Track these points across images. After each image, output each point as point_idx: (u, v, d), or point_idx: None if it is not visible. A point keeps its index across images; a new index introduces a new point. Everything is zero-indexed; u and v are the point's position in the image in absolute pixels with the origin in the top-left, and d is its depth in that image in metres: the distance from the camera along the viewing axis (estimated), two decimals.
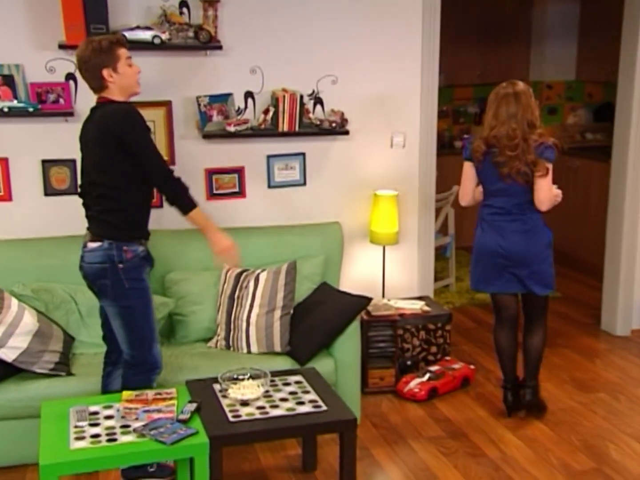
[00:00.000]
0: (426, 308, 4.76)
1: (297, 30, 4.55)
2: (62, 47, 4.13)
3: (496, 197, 4.04)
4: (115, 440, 3.02)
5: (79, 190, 3.69)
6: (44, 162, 4.32)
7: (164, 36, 4.19)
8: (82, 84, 4.16)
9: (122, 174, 3.38)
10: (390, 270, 4.95)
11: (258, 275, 4.21)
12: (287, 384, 3.54)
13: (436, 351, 4.76)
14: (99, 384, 3.72)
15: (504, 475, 3.72)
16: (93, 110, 3.50)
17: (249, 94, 4.54)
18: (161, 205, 4.16)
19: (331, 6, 4.57)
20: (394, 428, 4.20)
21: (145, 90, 3.68)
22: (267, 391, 3.42)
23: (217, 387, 3.45)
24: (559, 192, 4.05)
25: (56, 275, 4.15)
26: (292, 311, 4.17)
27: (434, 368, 4.64)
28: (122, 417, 3.18)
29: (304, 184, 4.75)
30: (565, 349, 5.23)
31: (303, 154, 4.70)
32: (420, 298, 4.96)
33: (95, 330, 4.10)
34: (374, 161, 4.83)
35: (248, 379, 3.44)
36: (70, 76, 4.26)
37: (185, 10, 4.33)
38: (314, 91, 4.64)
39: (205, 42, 4.29)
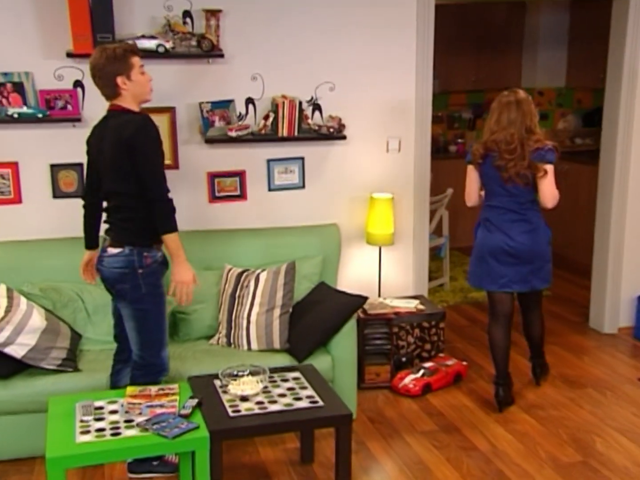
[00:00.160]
0: (421, 307, 4.75)
1: (296, 39, 4.54)
2: (69, 55, 4.13)
3: (499, 198, 4.11)
4: (119, 434, 3.01)
5: (84, 192, 3.69)
6: (52, 166, 4.32)
7: (168, 45, 4.19)
8: (89, 91, 4.23)
9: (139, 182, 3.32)
10: (386, 270, 4.94)
11: (258, 275, 4.20)
12: (286, 380, 3.53)
13: (430, 348, 4.75)
14: (104, 379, 3.73)
15: (495, 468, 3.72)
16: (106, 118, 3.46)
17: (249, 101, 4.54)
18: None
19: (329, 16, 4.57)
20: (389, 422, 4.20)
21: None
22: (265, 387, 3.42)
23: (217, 383, 3.45)
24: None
25: (64, 274, 4.15)
26: (291, 310, 4.17)
27: (427, 364, 4.63)
28: (126, 412, 3.17)
29: (303, 187, 4.75)
30: (554, 346, 5.22)
31: (302, 158, 4.70)
32: (415, 297, 4.95)
33: (101, 328, 4.12)
34: (371, 165, 4.83)
35: (247, 375, 3.44)
36: (77, 83, 4.26)
37: (188, 20, 4.32)
38: (312, 98, 4.64)
39: (208, 50, 4.28)
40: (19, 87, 4.17)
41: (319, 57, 4.60)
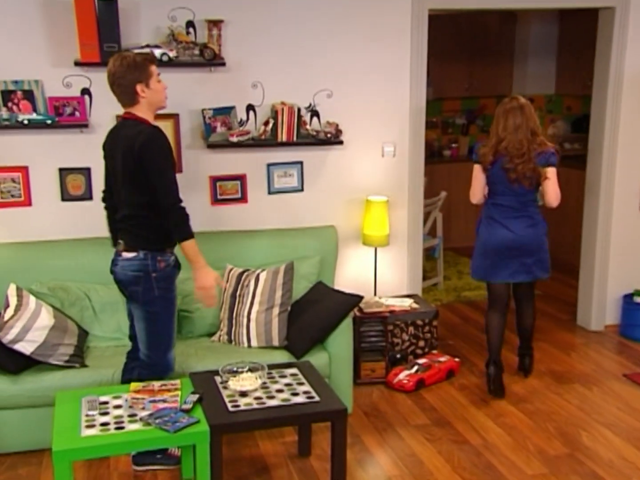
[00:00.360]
0: (415, 305, 4.73)
1: (295, 48, 4.53)
2: (77, 64, 4.13)
3: (504, 196, 4.23)
4: (122, 428, 3.01)
5: (102, 195, 3.64)
6: (61, 170, 4.31)
7: (172, 54, 4.18)
8: (96, 98, 4.23)
9: (151, 192, 3.29)
10: (382, 270, 4.93)
11: (258, 274, 4.19)
12: (283, 376, 3.52)
13: (424, 345, 4.74)
14: (110, 375, 3.72)
15: (485, 460, 3.70)
16: (118, 126, 3.42)
17: (250, 107, 4.53)
18: None
19: (326, 25, 4.56)
20: (384, 416, 4.18)
21: None
22: (264, 383, 3.40)
23: (218, 379, 3.43)
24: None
25: (71, 274, 4.15)
26: (289, 308, 4.16)
27: (421, 361, 4.61)
28: (130, 406, 3.17)
29: (302, 190, 4.73)
30: (543, 343, 5.20)
31: (301, 163, 4.69)
32: (409, 296, 4.94)
33: (107, 325, 4.12)
34: (367, 169, 4.81)
35: (247, 371, 3.42)
36: (85, 91, 4.25)
37: (191, 30, 4.32)
38: (310, 104, 4.63)
39: (210, 59, 4.28)
40: (29, 95, 4.16)
41: (317, 66, 4.59)
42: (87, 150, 4.29)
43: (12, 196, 4.26)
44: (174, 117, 4.38)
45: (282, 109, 4.45)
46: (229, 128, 4.45)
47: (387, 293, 4.94)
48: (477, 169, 4.28)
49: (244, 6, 4.39)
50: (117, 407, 3.19)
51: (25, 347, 3.65)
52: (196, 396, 3.21)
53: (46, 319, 3.79)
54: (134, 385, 3.31)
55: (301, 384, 3.43)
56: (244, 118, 4.53)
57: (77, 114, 4.25)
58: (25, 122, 4.10)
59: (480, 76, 7.96)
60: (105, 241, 4.16)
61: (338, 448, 3.25)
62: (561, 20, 7.77)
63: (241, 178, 4.60)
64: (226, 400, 3.25)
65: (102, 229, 4.23)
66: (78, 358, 3.81)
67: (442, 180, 7.33)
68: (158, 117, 4.05)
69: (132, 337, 3.65)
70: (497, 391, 4.38)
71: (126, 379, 3.60)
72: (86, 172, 4.33)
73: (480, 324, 5.55)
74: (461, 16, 7.47)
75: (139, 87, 3.27)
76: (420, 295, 5.08)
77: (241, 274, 4.23)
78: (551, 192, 4.16)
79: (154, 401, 3.18)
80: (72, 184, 4.34)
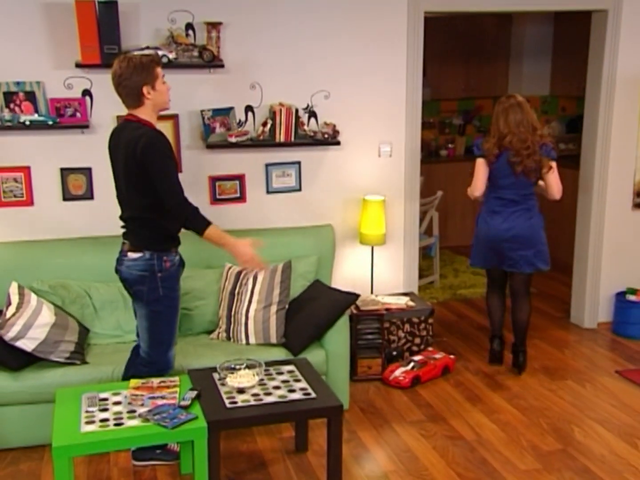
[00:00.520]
0: (411, 303, 4.73)
1: (293, 49, 4.52)
2: (78, 66, 4.12)
3: (506, 190, 4.35)
4: (121, 424, 3.00)
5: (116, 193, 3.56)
6: (62, 170, 4.30)
7: (171, 55, 4.18)
8: (97, 99, 4.23)
9: (153, 194, 3.27)
10: (378, 268, 4.92)
11: (256, 273, 4.18)
12: (281, 373, 3.51)
13: (420, 342, 4.73)
14: (110, 372, 3.72)
15: (479, 456, 3.70)
16: (121, 128, 3.39)
17: (249, 108, 4.52)
18: None
19: (324, 27, 4.55)
20: (380, 413, 4.18)
21: None
22: (261, 380, 3.40)
23: (216, 376, 3.42)
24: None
25: (72, 272, 4.14)
26: (287, 306, 4.15)
27: (417, 358, 4.61)
28: (129, 403, 3.16)
29: (300, 189, 4.73)
30: (537, 340, 5.20)
31: (298, 163, 4.68)
32: (405, 294, 4.93)
33: (108, 323, 4.12)
34: (363, 169, 4.81)
35: (244, 368, 3.42)
36: (86, 92, 4.24)
37: (190, 32, 4.31)
38: (308, 105, 4.62)
39: (209, 61, 4.27)
40: (30, 96, 4.15)
41: (314, 67, 4.58)
42: (88, 150, 4.29)
43: (15, 196, 4.25)
44: (174, 117, 4.37)
45: (280, 110, 4.44)
46: (227, 129, 4.44)
47: (384, 291, 4.93)
48: (481, 163, 4.35)
49: (243, 9, 4.39)
50: (117, 403, 3.18)
51: (27, 344, 3.65)
52: (194, 393, 3.20)
53: (47, 316, 3.79)
54: (133, 382, 3.31)
55: (298, 380, 3.43)
56: (243, 119, 4.52)
57: (78, 115, 4.24)
58: (27, 123, 4.09)
59: (477, 77, 7.96)
60: (105, 240, 4.20)
61: (334, 444, 3.24)
62: (556, 22, 7.76)
63: (240, 178, 4.60)
64: (224, 396, 3.24)
65: (102, 228, 4.28)
66: (79, 355, 3.80)
67: (439, 180, 7.32)
68: (158, 117, 4.06)
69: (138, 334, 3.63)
70: (495, 361, 4.73)
71: (131, 374, 3.59)
72: (87, 172, 4.33)
73: (476, 321, 5.59)
74: (458, 18, 7.46)
75: (145, 89, 3.24)
76: (417, 293, 5.07)
77: (240, 272, 4.22)
78: (554, 184, 4.30)
79: (153, 398, 3.17)
80: (73, 184, 4.33)
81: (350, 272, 4.90)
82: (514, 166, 4.26)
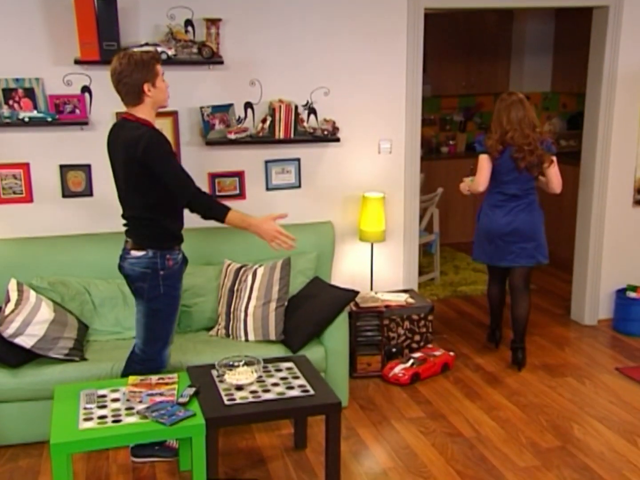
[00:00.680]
0: (410, 300, 4.72)
1: (293, 46, 4.51)
2: (77, 62, 4.10)
3: (509, 185, 4.45)
4: (119, 421, 3.00)
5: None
6: (61, 166, 4.29)
7: (170, 52, 4.16)
8: (96, 95, 4.22)
9: (154, 194, 3.26)
10: (378, 265, 4.91)
11: (255, 270, 4.18)
12: (279, 370, 3.50)
13: (419, 339, 4.73)
14: (109, 368, 3.71)
15: (478, 453, 3.69)
16: (118, 127, 3.36)
17: (248, 105, 4.51)
18: None
19: (324, 24, 4.53)
20: (379, 409, 4.17)
21: None
22: (260, 377, 3.39)
23: (214, 373, 3.42)
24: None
25: (71, 269, 4.14)
26: (286, 303, 4.15)
27: (416, 355, 4.61)
28: (127, 400, 3.16)
29: (299, 186, 4.72)
30: (538, 337, 5.19)
31: (298, 159, 4.67)
32: (405, 291, 4.93)
33: (107, 319, 4.11)
34: (363, 166, 4.80)
35: (243, 365, 3.41)
36: (85, 89, 4.23)
37: (190, 28, 4.29)
38: (308, 102, 4.61)
39: (208, 57, 4.25)
40: (29, 93, 4.14)
41: (314, 63, 4.57)
42: (88, 147, 4.28)
43: (14, 192, 4.25)
44: (173, 114, 4.36)
45: (280, 107, 4.43)
46: (227, 125, 4.43)
47: (384, 288, 4.93)
48: (485, 159, 4.42)
49: (242, 5, 4.37)
50: (115, 400, 3.18)
51: (26, 341, 3.64)
52: (193, 390, 3.20)
53: (46, 313, 3.78)
54: (131, 379, 3.30)
55: (296, 377, 3.42)
56: (242, 115, 4.51)
57: (77, 111, 4.23)
58: (26, 119, 4.08)
59: (478, 74, 7.93)
60: (104, 237, 4.20)
61: (332, 441, 3.23)
62: (557, 19, 7.74)
63: (239, 175, 4.59)
64: (222, 393, 3.23)
65: (102, 224, 4.29)
66: (78, 352, 3.80)
67: (439, 177, 7.31)
68: (157, 114, 4.04)
69: None
70: (493, 340, 4.97)
71: (130, 371, 3.60)
72: (86, 168, 4.32)
73: (476, 318, 5.58)
74: (459, 14, 7.45)
75: (145, 87, 3.22)
76: (416, 290, 5.07)
77: (239, 269, 4.22)
78: (554, 179, 4.42)
79: (151, 394, 3.17)
80: (72, 181, 4.33)
81: (350, 269, 4.89)
82: (517, 162, 4.36)
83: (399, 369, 4.48)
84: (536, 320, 5.48)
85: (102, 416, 3.03)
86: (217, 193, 4.55)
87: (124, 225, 3.44)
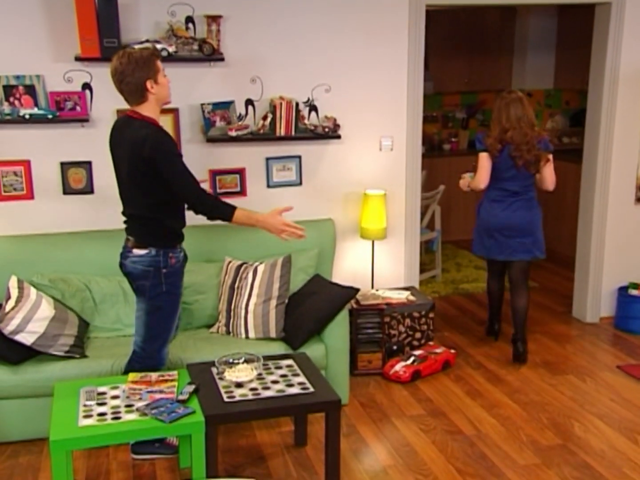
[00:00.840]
0: (411, 297, 4.72)
1: (294, 43, 4.50)
2: (78, 59, 4.10)
3: (508, 182, 4.53)
4: (119, 418, 3.00)
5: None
6: (62, 164, 4.29)
7: (171, 49, 4.16)
8: (97, 92, 4.22)
9: (158, 194, 3.26)
10: (379, 263, 4.91)
11: (256, 267, 4.18)
12: (279, 368, 3.50)
13: (420, 337, 4.72)
14: (110, 365, 3.71)
15: (478, 450, 3.69)
16: (123, 124, 3.33)
17: (249, 102, 4.51)
18: None
19: (325, 21, 4.53)
20: (380, 407, 4.17)
21: None
22: (260, 374, 3.39)
23: (214, 370, 3.42)
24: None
25: (72, 266, 4.14)
26: (286, 300, 4.14)
27: (417, 352, 4.60)
28: (127, 397, 3.16)
29: (300, 183, 4.71)
30: (539, 334, 5.18)
31: (299, 157, 4.66)
32: (406, 288, 4.92)
33: (108, 316, 4.12)
34: (364, 163, 4.79)
35: (243, 363, 3.41)
36: (86, 86, 4.23)
37: (190, 25, 4.29)
38: (309, 99, 4.60)
39: (209, 54, 4.25)
40: (30, 90, 4.15)
41: (315, 60, 4.56)
42: (88, 144, 4.28)
43: (15, 189, 4.25)
44: (174, 111, 4.35)
45: (281, 104, 4.43)
46: (228, 122, 4.42)
47: (385, 286, 4.92)
48: (485, 157, 4.49)
49: (243, 2, 4.36)
50: (115, 397, 3.18)
51: (26, 338, 3.65)
52: (192, 387, 3.20)
53: (47, 310, 3.78)
54: (131, 376, 3.30)
55: (296, 375, 3.42)
56: (243, 112, 4.51)
57: (78, 108, 4.23)
58: (27, 116, 4.08)
59: (480, 71, 7.92)
60: (105, 234, 4.20)
61: (332, 438, 3.23)
62: (560, 15, 7.72)
63: (240, 172, 4.59)
64: (222, 391, 3.24)
65: (102, 221, 4.29)
66: (78, 348, 3.80)
67: (442, 174, 7.29)
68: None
69: None
70: (492, 334, 5.06)
71: (130, 369, 3.60)
72: (87, 166, 4.32)
73: (478, 315, 5.58)
74: (461, 11, 7.43)
75: (148, 84, 3.20)
76: (417, 288, 5.06)
77: (239, 266, 4.22)
78: (548, 176, 4.52)
79: (151, 392, 3.17)
80: (73, 178, 4.33)
81: (351, 266, 4.89)
82: (515, 160, 4.44)
83: (399, 367, 4.48)
84: (538, 318, 5.47)
85: (102, 413, 3.04)
86: (218, 190, 4.55)
87: (125, 222, 3.44)
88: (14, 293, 3.80)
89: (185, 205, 3.42)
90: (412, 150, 4.88)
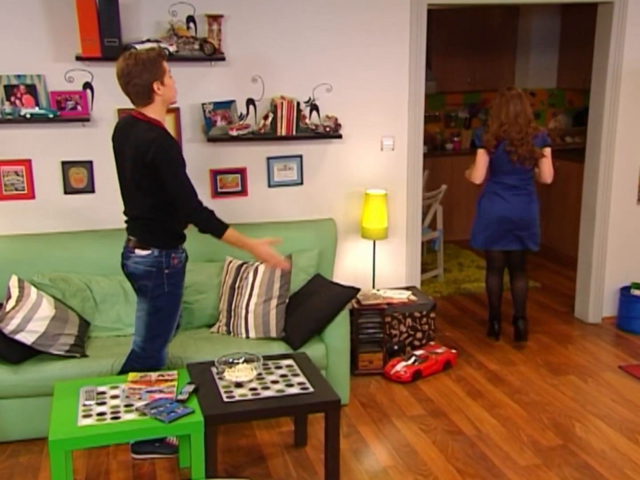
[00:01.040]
0: (413, 297, 4.71)
1: (295, 42, 4.50)
2: (79, 59, 4.10)
3: (507, 176, 4.66)
4: (118, 418, 3.00)
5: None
6: (63, 163, 4.30)
7: (172, 48, 4.16)
8: (98, 92, 4.22)
9: (162, 197, 3.25)
10: (380, 262, 4.91)
11: (257, 267, 4.18)
12: (279, 367, 3.50)
13: (421, 337, 4.71)
14: (110, 365, 3.71)
15: (478, 451, 3.68)
16: (128, 124, 3.29)
17: (250, 101, 4.51)
18: None
19: (326, 20, 4.52)
20: (380, 407, 4.17)
21: None
22: (260, 374, 3.39)
23: (214, 370, 3.42)
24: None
25: (73, 266, 4.14)
26: (287, 300, 4.14)
27: (418, 352, 4.60)
28: (127, 397, 3.16)
29: (301, 183, 4.71)
30: (541, 335, 5.17)
31: (300, 156, 4.66)
32: (407, 288, 4.91)
33: (108, 316, 4.12)
34: (365, 163, 4.78)
35: (242, 362, 3.41)
36: (87, 85, 4.23)
37: (191, 24, 4.29)
38: (310, 98, 4.60)
39: (210, 54, 4.25)
40: (31, 89, 4.15)
41: (316, 60, 4.56)
42: (89, 143, 4.29)
43: (16, 189, 4.25)
44: (175, 111, 4.35)
45: (282, 103, 4.42)
46: (229, 122, 4.42)
47: (386, 286, 4.92)
48: (482, 153, 4.65)
49: (244, 1, 4.36)
50: (114, 397, 3.18)
51: (26, 337, 3.65)
52: (192, 387, 3.20)
53: (47, 309, 3.79)
54: (131, 376, 3.31)
55: (296, 375, 3.42)
56: (244, 112, 4.51)
57: (79, 108, 4.23)
58: (28, 116, 4.09)
59: (483, 70, 7.90)
60: (106, 233, 4.20)
61: (332, 438, 3.23)
62: (563, 14, 7.71)
63: (241, 171, 4.58)
64: (221, 391, 3.24)
65: (103, 221, 4.29)
66: (78, 348, 3.80)
67: (444, 174, 7.29)
68: None
69: None
70: (493, 334, 5.06)
71: (128, 368, 3.60)
72: (88, 165, 4.32)
73: (480, 315, 5.57)
74: (464, 10, 7.41)
75: (155, 85, 3.19)
76: (419, 288, 5.05)
77: (240, 266, 4.22)
78: (546, 170, 4.64)
79: (151, 391, 3.18)
80: (74, 177, 4.33)
81: (352, 266, 4.88)
82: (510, 155, 4.58)
83: (400, 367, 4.47)
84: (540, 318, 5.46)
85: (101, 413, 3.04)
86: (219, 190, 4.55)
87: (127, 222, 3.44)
88: (15, 292, 3.80)
89: None
90: (414, 149, 4.87)
